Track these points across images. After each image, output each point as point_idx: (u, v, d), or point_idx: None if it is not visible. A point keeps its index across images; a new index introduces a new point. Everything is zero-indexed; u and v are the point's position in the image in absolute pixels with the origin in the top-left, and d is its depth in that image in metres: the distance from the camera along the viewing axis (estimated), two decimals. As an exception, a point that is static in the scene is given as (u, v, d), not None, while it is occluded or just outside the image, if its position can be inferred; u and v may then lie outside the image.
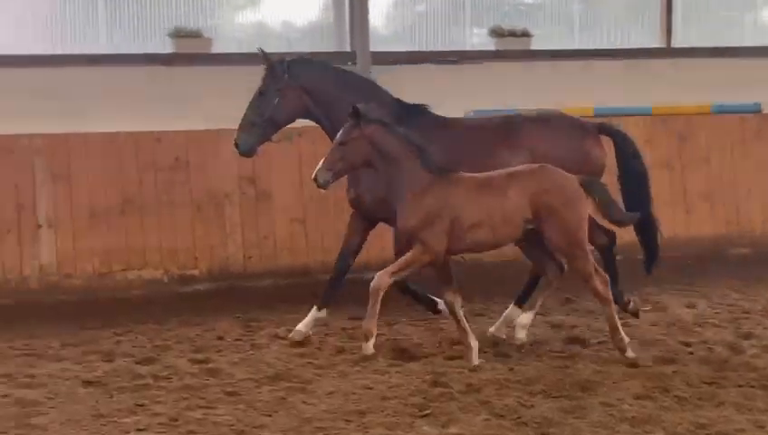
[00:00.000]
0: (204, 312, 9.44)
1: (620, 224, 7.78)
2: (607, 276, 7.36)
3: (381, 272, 7.34)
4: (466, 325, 7.42)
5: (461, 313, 7.43)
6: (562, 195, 7.29)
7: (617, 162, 8.53)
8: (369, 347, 7.43)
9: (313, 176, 7.32)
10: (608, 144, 8.53)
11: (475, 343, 7.33)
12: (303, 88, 8.54)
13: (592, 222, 7.81)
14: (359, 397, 6.49)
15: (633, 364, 7.07)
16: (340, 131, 7.35)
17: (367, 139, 7.28)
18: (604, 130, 8.55)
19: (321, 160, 7.33)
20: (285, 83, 8.47)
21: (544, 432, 5.66)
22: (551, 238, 7.29)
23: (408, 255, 7.33)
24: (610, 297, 7.32)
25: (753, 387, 6.47)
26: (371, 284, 7.28)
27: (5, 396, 6.76)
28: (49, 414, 6.31)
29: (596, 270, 7.29)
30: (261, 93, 8.50)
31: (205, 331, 8.72)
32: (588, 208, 7.45)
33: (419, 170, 7.31)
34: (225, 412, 6.25)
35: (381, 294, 7.27)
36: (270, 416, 6.17)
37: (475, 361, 7.23)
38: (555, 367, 7.09)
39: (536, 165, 7.60)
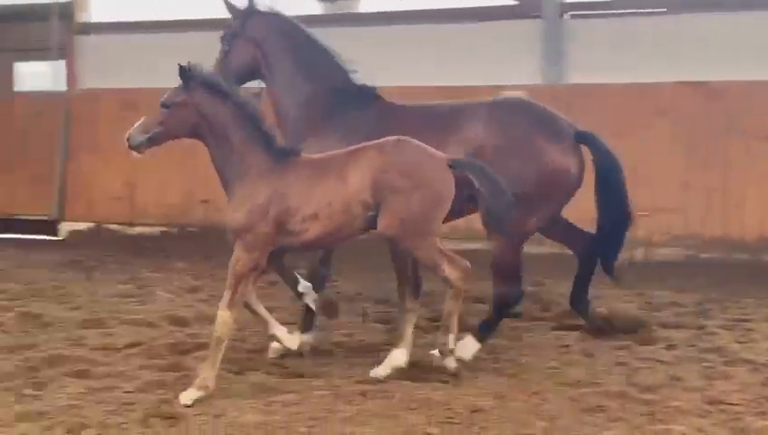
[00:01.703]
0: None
1: (496, 219, 6.23)
2: (466, 263, 6.14)
3: (219, 310, 6.04)
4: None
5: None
6: (414, 174, 6.01)
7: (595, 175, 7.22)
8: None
9: (126, 135, 6.08)
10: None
11: None
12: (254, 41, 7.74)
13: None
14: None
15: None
16: (168, 92, 6.16)
17: (193, 105, 6.06)
18: (582, 137, 7.13)
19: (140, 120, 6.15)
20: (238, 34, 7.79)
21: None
22: (387, 225, 6.02)
23: (231, 269, 6.05)
24: (462, 288, 6.18)
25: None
26: (215, 332, 6.01)
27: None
28: None
29: (450, 258, 6.12)
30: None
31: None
32: (449, 196, 6.12)
33: (255, 153, 6.10)
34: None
35: (225, 340, 5.99)
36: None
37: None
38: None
39: (392, 138, 6.22)
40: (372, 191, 5.98)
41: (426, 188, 6.00)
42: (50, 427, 5.36)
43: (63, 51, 13.17)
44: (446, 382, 6.21)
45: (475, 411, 5.60)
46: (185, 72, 6.02)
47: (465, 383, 6.19)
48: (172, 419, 5.50)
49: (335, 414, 5.58)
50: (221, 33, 7.90)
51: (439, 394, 5.94)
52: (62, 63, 13.32)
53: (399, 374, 6.37)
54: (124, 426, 5.39)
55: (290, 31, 7.79)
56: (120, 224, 12.35)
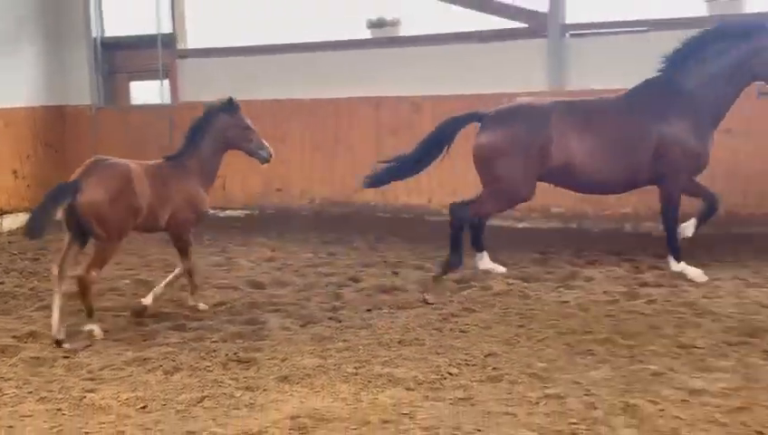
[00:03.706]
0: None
1: None
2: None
3: None
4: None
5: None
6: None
7: None
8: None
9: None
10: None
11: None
12: None
13: None
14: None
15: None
16: None
17: None
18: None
19: None
20: None
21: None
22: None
23: None
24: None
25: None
26: None
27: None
28: None
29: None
30: None
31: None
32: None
33: None
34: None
35: None
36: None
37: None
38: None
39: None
40: None
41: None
42: (152, 369, 5.46)
43: (167, 72, 13.36)
44: (466, 332, 6.21)
45: (488, 356, 5.62)
46: None
47: (481, 333, 6.18)
48: (247, 362, 5.57)
49: (377, 358, 5.61)
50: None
51: (460, 342, 5.96)
52: (166, 82, 13.49)
53: (430, 326, 6.39)
54: (209, 368, 5.46)
55: None
56: (213, 209, 12.55)
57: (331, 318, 6.77)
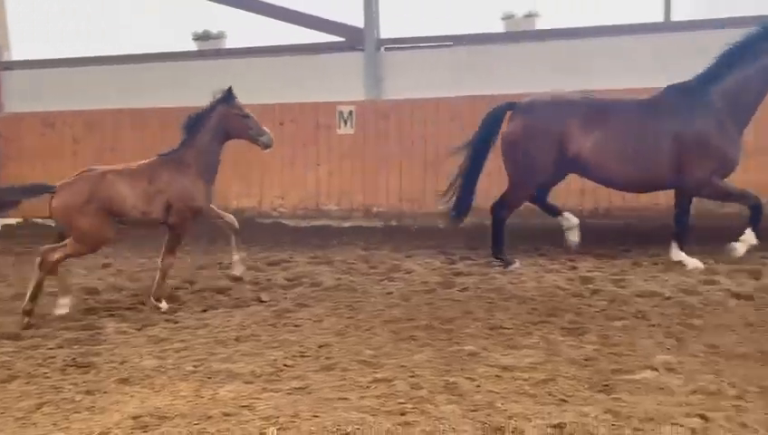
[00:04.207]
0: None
1: None
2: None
3: None
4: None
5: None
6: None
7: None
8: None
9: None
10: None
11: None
12: None
13: None
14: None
15: None
16: None
17: None
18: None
19: None
20: None
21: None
22: None
23: None
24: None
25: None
26: None
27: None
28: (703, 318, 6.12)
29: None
30: None
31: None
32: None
33: None
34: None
35: None
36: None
37: None
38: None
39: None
40: None
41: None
42: (-17, 380, 5.11)
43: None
44: (299, 326, 6.22)
45: (321, 347, 5.62)
46: None
47: (314, 326, 6.20)
48: (86, 367, 5.32)
49: (215, 355, 5.51)
50: None
51: (294, 335, 5.95)
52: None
53: (265, 322, 6.35)
54: (47, 375, 5.18)
55: None
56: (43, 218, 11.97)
57: (167, 320, 6.57)
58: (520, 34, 11.58)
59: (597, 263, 8.35)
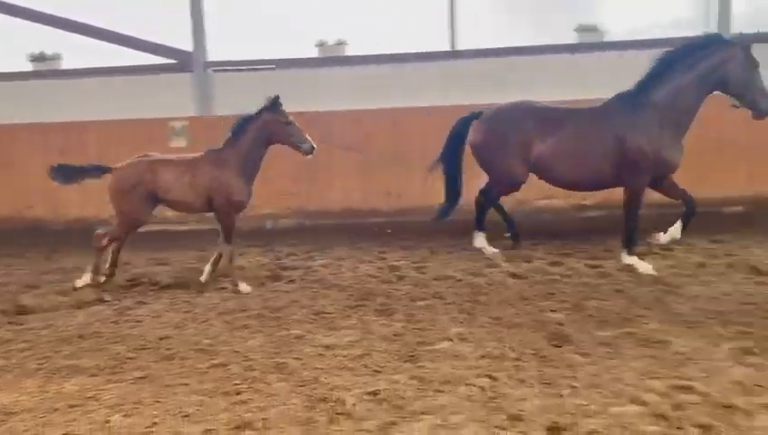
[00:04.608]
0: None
1: None
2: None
3: None
4: None
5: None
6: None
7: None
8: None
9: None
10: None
11: None
12: None
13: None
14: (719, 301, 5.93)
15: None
16: None
17: None
18: None
19: None
20: None
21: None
22: None
23: None
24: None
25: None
26: None
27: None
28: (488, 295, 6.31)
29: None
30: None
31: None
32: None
33: None
34: (614, 304, 5.95)
35: None
36: (648, 309, 5.78)
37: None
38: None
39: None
40: None
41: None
42: None
43: None
44: (141, 322, 5.97)
45: (162, 339, 5.45)
46: None
47: (154, 321, 5.98)
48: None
49: (60, 353, 5.18)
50: None
51: (136, 330, 5.71)
52: None
53: (108, 320, 6.04)
54: None
55: None
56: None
57: (10, 323, 6.10)
58: (331, 60, 11.76)
59: (403, 254, 8.60)
